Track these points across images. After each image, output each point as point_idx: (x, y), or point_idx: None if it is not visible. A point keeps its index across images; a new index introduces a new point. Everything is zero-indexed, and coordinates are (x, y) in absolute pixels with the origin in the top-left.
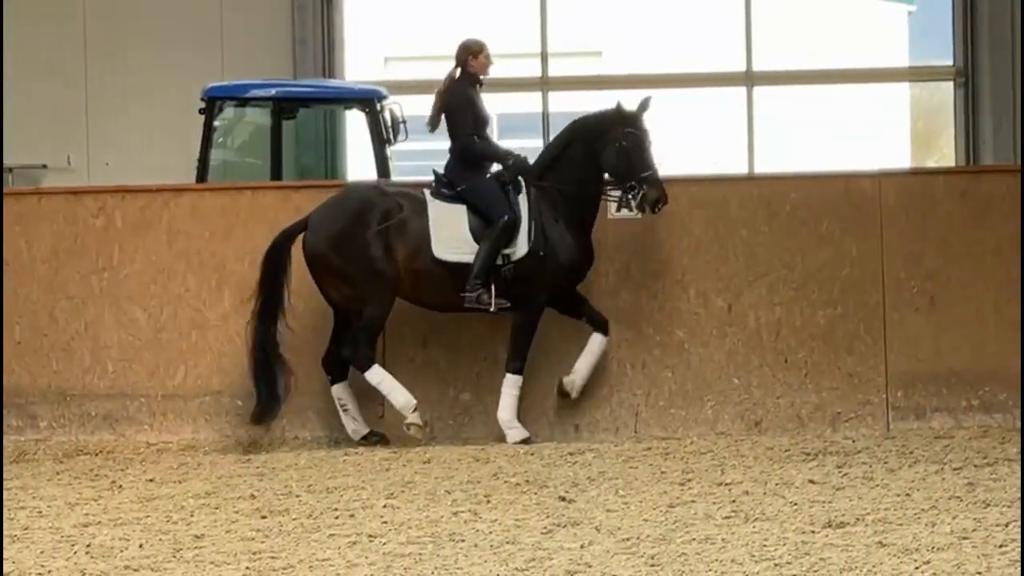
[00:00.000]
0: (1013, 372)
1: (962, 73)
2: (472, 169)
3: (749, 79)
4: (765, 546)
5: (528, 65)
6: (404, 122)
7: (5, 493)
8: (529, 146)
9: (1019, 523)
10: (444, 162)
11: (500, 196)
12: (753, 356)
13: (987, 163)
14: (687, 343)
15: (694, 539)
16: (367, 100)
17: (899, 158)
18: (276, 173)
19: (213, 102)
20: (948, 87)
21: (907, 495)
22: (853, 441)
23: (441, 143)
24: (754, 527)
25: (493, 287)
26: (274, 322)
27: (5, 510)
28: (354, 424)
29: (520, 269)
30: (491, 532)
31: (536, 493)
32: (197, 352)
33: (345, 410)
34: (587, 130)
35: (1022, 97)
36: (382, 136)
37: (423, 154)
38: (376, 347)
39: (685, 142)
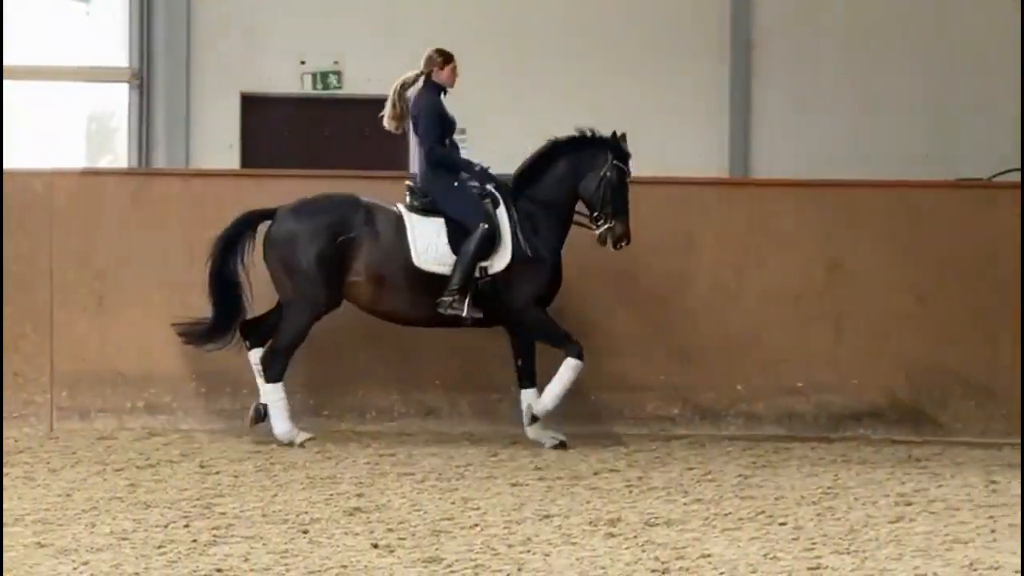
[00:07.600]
0: (177, 375)
1: (137, 75)
2: (444, 175)
3: None
4: None
5: None
6: None
7: None
8: None
9: (180, 525)
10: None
11: (476, 203)
12: None
13: (159, 166)
14: None
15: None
16: None
17: (73, 158)
18: None
19: None
20: (123, 88)
21: (68, 495)
22: (16, 441)
23: None
24: None
25: (469, 297)
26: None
27: None
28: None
29: (505, 278)
30: None
31: None
32: None
33: (260, 375)
34: (577, 150)
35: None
36: None
37: None
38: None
39: None
